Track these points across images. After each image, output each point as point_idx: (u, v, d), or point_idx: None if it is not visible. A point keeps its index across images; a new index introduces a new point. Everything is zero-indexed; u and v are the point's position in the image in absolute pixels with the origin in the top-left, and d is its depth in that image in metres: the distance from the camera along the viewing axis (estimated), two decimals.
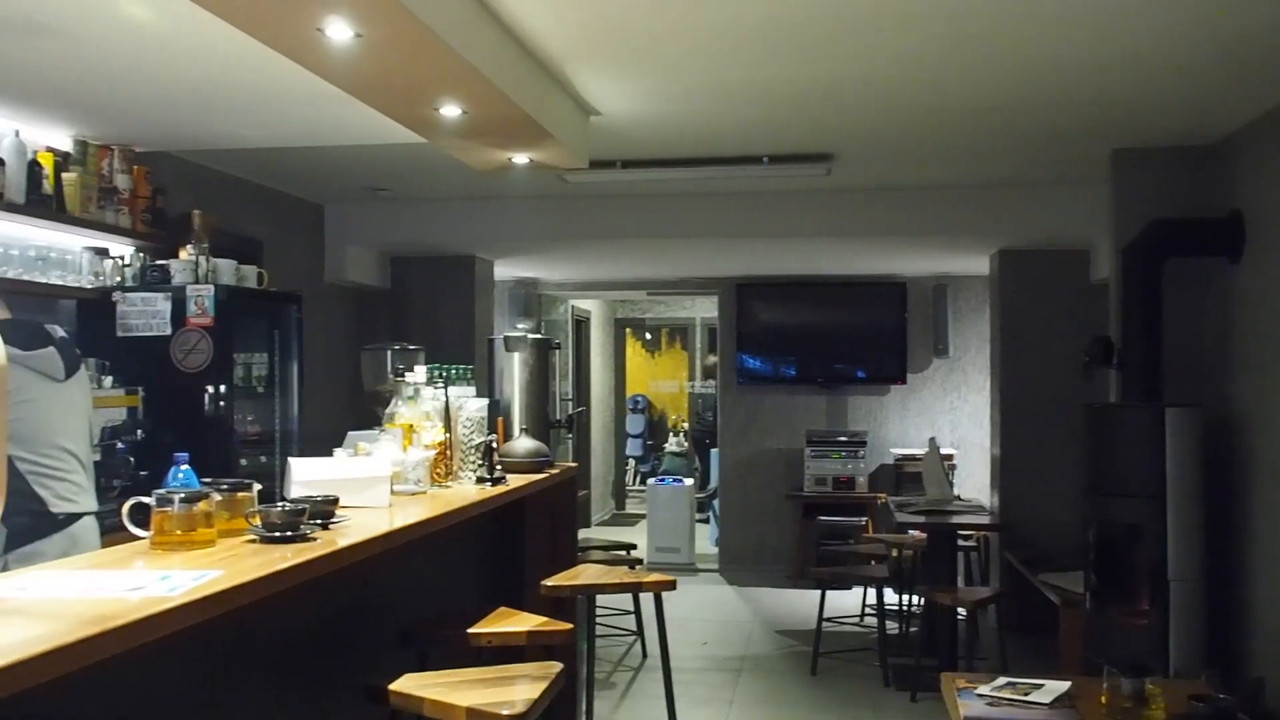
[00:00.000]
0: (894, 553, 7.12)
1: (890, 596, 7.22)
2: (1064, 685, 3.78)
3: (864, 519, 9.48)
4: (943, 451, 8.76)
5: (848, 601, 8.26)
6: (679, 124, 5.60)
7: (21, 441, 3.58)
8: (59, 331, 3.94)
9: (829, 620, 7.35)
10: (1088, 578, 5.53)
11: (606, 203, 7.72)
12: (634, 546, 7.61)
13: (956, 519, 7.37)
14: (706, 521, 11.72)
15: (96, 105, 4.88)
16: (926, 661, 6.33)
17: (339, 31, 3.41)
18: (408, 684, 2.82)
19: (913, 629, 7.07)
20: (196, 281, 5.35)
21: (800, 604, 8.68)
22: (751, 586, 9.52)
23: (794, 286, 10.22)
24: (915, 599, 7.03)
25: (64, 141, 5.24)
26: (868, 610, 8.04)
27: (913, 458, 9.44)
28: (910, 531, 7.31)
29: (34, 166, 4.85)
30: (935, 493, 7.88)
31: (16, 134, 4.82)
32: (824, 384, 10.13)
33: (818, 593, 7.18)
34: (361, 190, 7.50)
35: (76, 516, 3.76)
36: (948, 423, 10.03)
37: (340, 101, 4.44)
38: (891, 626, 7.11)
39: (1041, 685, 3.77)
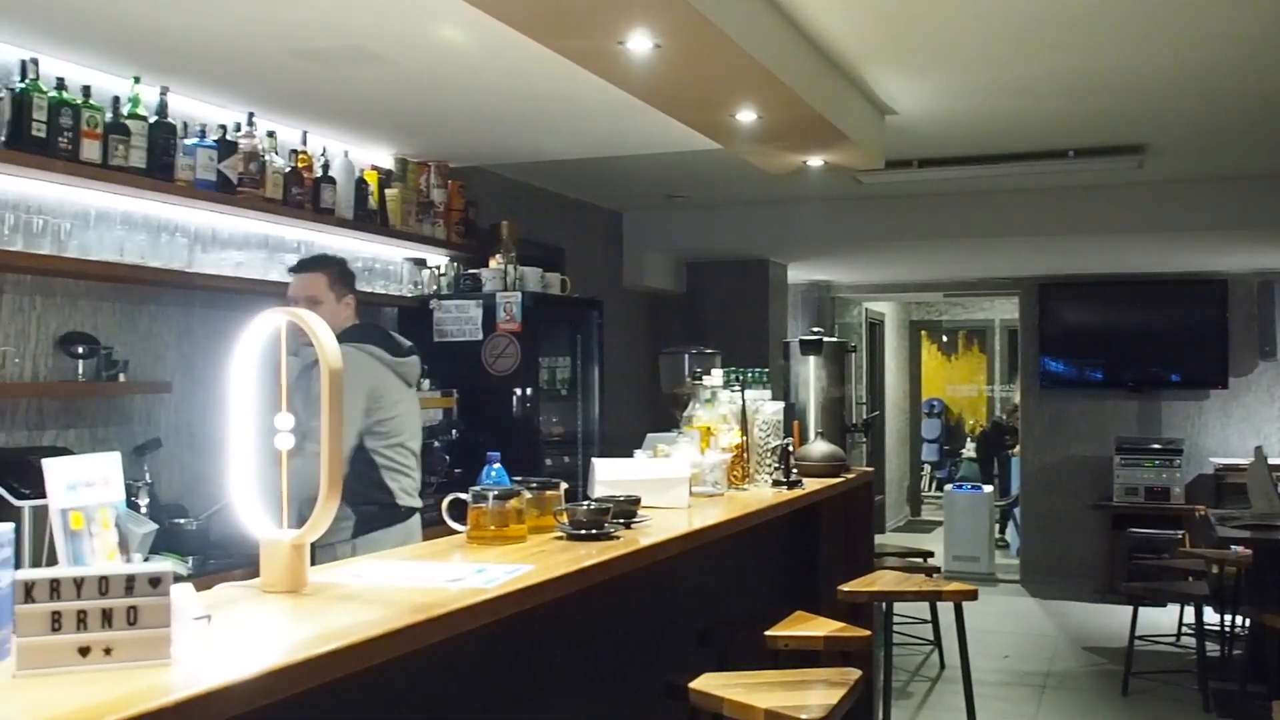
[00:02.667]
0: (1215, 569, 6.64)
1: (1210, 616, 6.73)
2: None
3: (1180, 532, 8.88)
4: (1271, 462, 8.09)
5: (1161, 619, 7.76)
6: (978, 120, 5.42)
7: (382, 438, 3.92)
8: (407, 341, 4.23)
9: (1141, 638, 6.92)
10: None
11: (902, 203, 7.57)
12: (931, 554, 7.42)
13: None
14: (1005, 530, 11.30)
15: (415, 125, 5.20)
16: (1253, 688, 5.86)
17: (639, 43, 3.50)
18: (707, 683, 2.86)
19: (1236, 652, 6.57)
20: (505, 289, 5.61)
21: (1109, 620, 8.22)
22: (1056, 600, 9.10)
23: (1101, 285, 9.70)
24: (1239, 619, 6.53)
25: (386, 160, 5.62)
26: (1185, 629, 7.52)
27: (1236, 468, 8.76)
28: (1233, 547, 6.78)
29: (360, 184, 5.22)
30: (1262, 506, 7.26)
31: (345, 155, 5.20)
32: (1134, 388, 9.56)
33: (1128, 609, 6.78)
34: (658, 197, 7.66)
35: (414, 511, 4.03)
36: (1276, 430, 9.25)
37: (639, 111, 4.55)
38: (1212, 648, 6.63)
39: None
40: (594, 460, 3.53)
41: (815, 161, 5.27)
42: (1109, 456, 9.30)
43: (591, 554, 2.57)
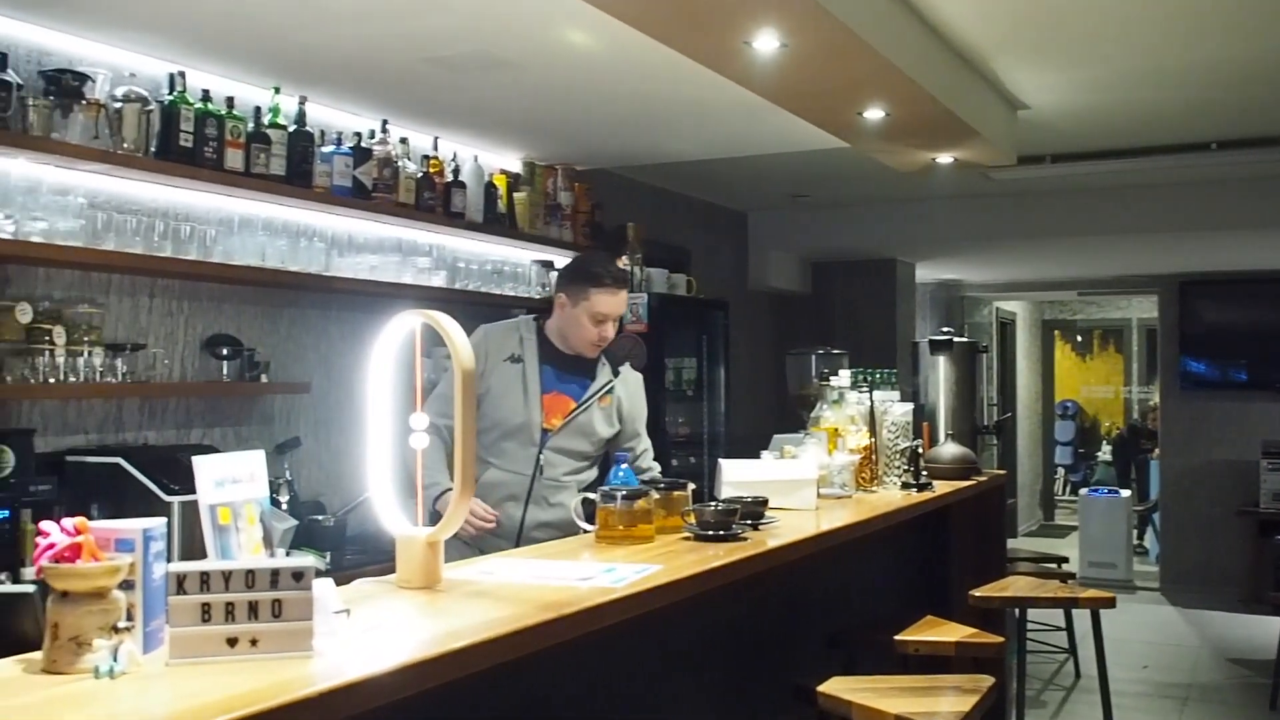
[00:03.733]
0: None
1: None
2: None
3: None
4: None
5: None
6: (1114, 113, 5.27)
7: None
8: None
9: None
10: None
11: (1034, 199, 7.40)
12: (1065, 560, 7.24)
13: None
14: (1143, 536, 10.95)
15: (543, 129, 5.27)
16: None
17: (765, 43, 3.49)
18: (836, 686, 2.84)
19: None
20: (632, 290, 5.64)
21: (1255, 631, 7.90)
22: (1197, 609, 8.78)
23: (1246, 283, 9.33)
24: None
25: (515, 164, 5.70)
26: None
27: None
28: None
29: (490, 188, 5.31)
30: None
31: (475, 159, 5.30)
32: None
33: (1276, 619, 6.51)
34: (783, 197, 7.62)
35: None
36: None
37: (764, 111, 4.54)
38: None
39: None
40: (721, 461, 3.53)
41: (945, 158, 5.18)
42: (1254, 461, 8.94)
43: (719, 555, 2.57)
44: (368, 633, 1.75)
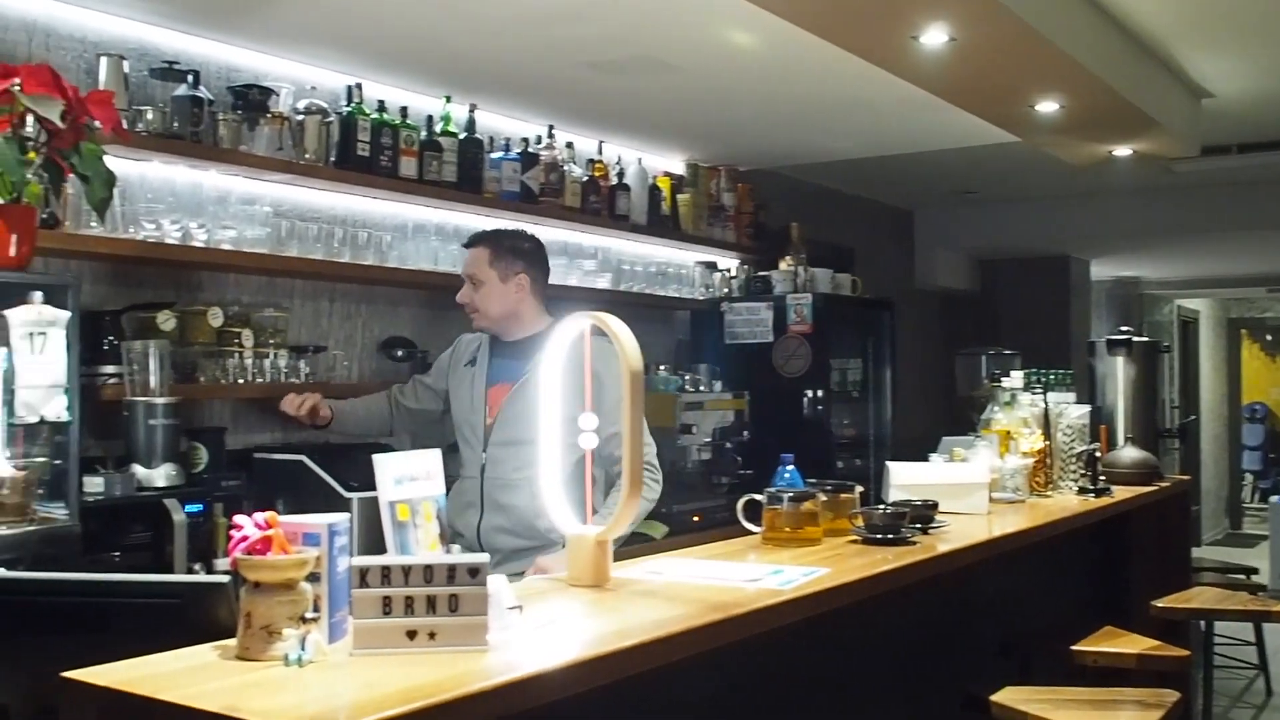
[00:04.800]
0: None
1: None
2: None
3: None
4: None
5: None
6: None
7: None
8: None
9: None
10: None
11: (1220, 191, 7.07)
12: (1255, 570, 6.90)
13: None
14: None
15: (706, 130, 5.28)
16: None
17: (934, 37, 3.43)
18: (1010, 696, 2.76)
19: None
20: (795, 291, 5.61)
21: None
22: None
23: None
24: None
25: (678, 166, 5.73)
26: None
27: None
28: None
29: (653, 190, 5.35)
30: None
31: (639, 162, 5.34)
32: None
33: None
34: (950, 194, 7.47)
35: None
36: None
37: (930, 107, 4.46)
38: None
39: None
40: (889, 463, 3.48)
41: (1122, 151, 5.01)
42: None
43: (888, 559, 2.53)
44: (540, 629, 1.79)
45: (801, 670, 2.65)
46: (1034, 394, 4.06)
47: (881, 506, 2.88)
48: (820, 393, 5.53)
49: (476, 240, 3.40)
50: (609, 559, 2.17)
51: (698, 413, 5.35)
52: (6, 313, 2.55)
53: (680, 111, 4.91)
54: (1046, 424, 3.97)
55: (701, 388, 5.39)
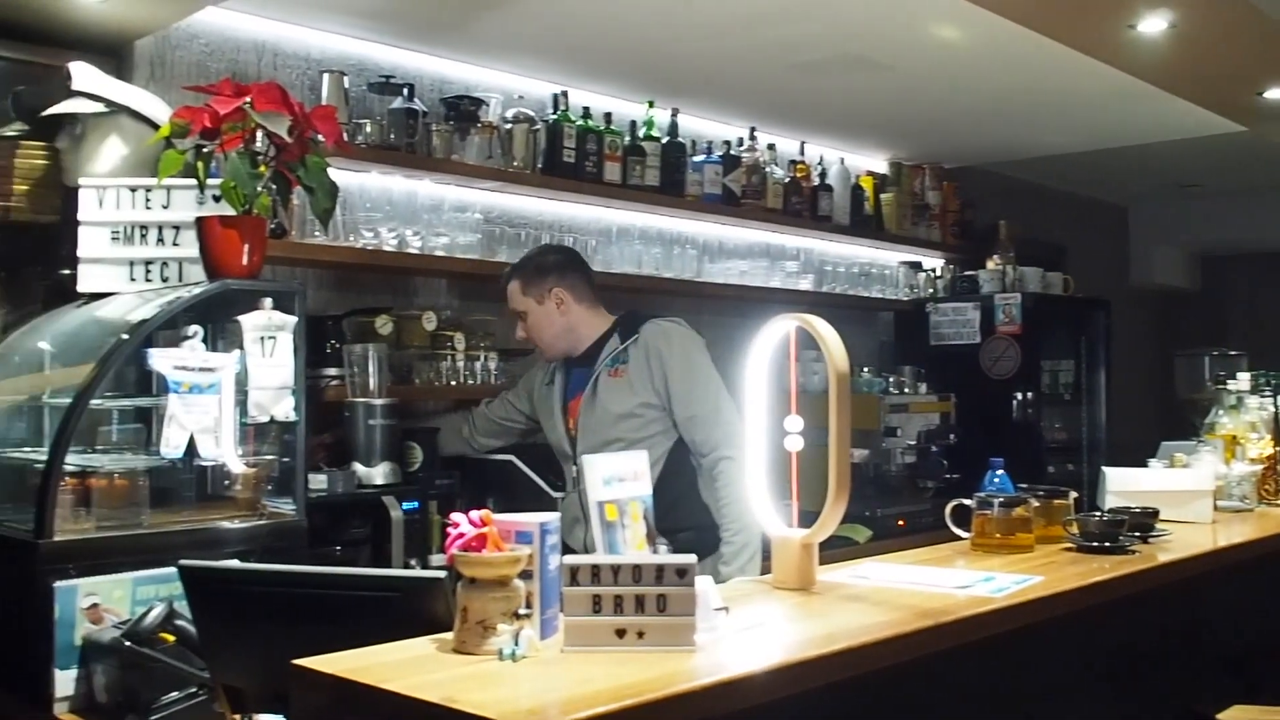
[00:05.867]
0: None
1: None
2: None
3: None
4: None
5: None
6: None
7: None
8: None
9: None
10: None
11: None
12: None
13: None
14: None
15: (911, 128, 5.19)
16: None
17: (1152, 24, 3.30)
18: (1238, 715, 2.64)
19: None
20: (1003, 290, 5.46)
21: None
22: None
23: None
24: None
25: (881, 165, 5.65)
26: None
27: None
28: None
29: (856, 190, 5.29)
30: None
31: (841, 162, 5.29)
32: None
33: None
34: (1169, 188, 7.14)
35: None
36: None
37: (1146, 98, 4.29)
38: None
39: None
40: (1105, 469, 3.36)
41: None
42: None
43: (1105, 568, 2.44)
44: (746, 631, 1.79)
45: (1011, 683, 2.58)
46: (1263, 397, 3.86)
47: (1098, 513, 2.78)
48: (1030, 395, 5.37)
49: (508, 276, 3.40)
50: (814, 562, 2.15)
51: (902, 415, 5.27)
52: (240, 318, 2.71)
53: (885, 110, 4.84)
54: (1277, 428, 3.77)
55: (906, 390, 5.30)
